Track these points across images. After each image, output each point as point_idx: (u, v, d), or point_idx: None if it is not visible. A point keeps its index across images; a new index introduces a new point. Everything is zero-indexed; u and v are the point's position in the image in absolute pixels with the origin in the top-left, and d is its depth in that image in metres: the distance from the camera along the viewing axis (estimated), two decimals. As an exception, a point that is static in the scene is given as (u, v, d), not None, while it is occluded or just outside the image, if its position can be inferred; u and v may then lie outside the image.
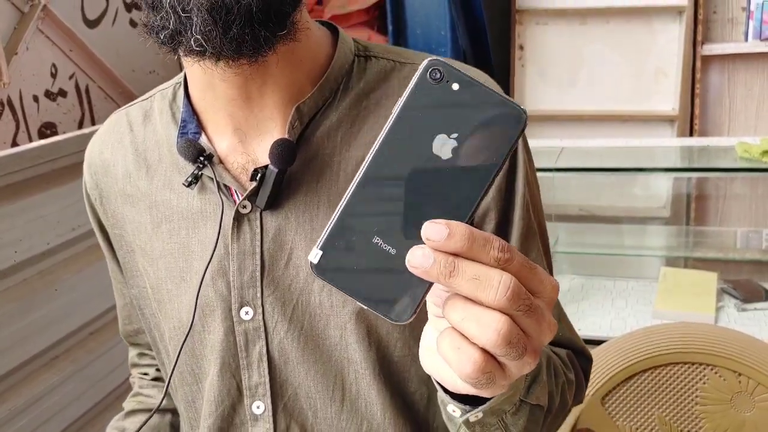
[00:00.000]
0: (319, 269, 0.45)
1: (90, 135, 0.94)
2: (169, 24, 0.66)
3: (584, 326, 1.99)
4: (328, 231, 0.45)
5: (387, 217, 0.45)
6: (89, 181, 0.90)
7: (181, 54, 0.70)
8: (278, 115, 0.77)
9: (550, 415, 0.76)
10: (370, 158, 0.45)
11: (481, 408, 0.59)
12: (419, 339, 0.53)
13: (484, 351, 0.44)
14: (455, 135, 0.45)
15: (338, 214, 0.45)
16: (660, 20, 2.74)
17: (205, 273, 0.78)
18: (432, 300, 0.47)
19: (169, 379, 0.83)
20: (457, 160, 0.45)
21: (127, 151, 0.86)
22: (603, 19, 2.80)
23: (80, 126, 2.19)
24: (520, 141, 0.78)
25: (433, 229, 0.43)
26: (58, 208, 1.62)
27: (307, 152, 0.77)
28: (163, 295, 0.84)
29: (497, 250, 0.43)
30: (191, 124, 0.80)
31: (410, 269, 0.43)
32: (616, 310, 2.07)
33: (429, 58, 0.46)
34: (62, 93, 2.15)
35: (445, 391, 0.58)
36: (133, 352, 1.04)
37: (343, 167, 0.77)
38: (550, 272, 0.87)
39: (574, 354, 0.87)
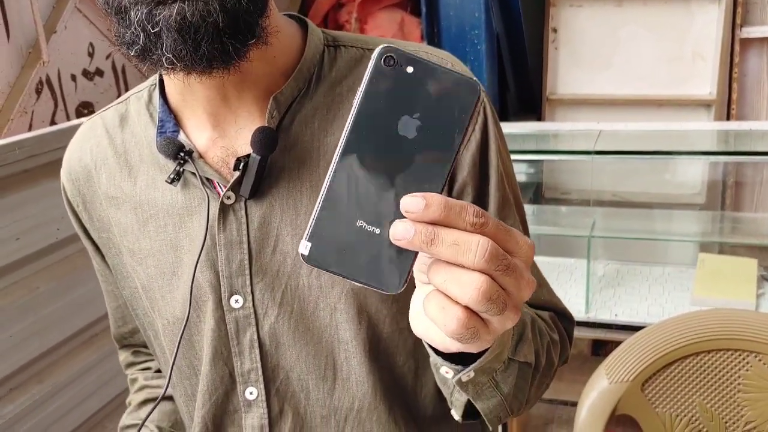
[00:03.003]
0: (311, 259, 0.48)
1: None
2: (139, 40, 0.67)
3: (621, 311, 1.97)
4: (313, 222, 0.48)
5: (366, 200, 0.48)
6: (70, 188, 0.90)
7: (153, 67, 0.71)
8: (255, 108, 0.79)
9: (538, 373, 0.79)
10: (341, 148, 0.48)
11: (472, 367, 0.63)
12: (406, 313, 0.55)
13: (467, 308, 0.47)
14: (417, 114, 0.47)
15: (320, 205, 0.48)
16: (698, 2, 2.70)
17: (197, 265, 0.80)
18: (418, 268, 0.50)
19: (171, 370, 0.84)
20: (423, 138, 0.48)
21: (107, 155, 0.87)
22: (640, 1, 2.75)
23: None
24: (490, 116, 0.82)
25: (411, 202, 0.46)
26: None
27: (287, 141, 0.79)
28: (155, 292, 0.86)
29: (472, 215, 0.46)
30: (169, 123, 0.82)
31: (394, 242, 0.47)
32: (653, 296, 2.04)
33: (380, 46, 0.48)
34: (99, 72, 2.16)
35: (437, 353, 0.62)
36: (125, 354, 1.06)
37: (322, 153, 0.79)
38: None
39: (557, 316, 0.90)
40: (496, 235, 0.47)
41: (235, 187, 0.78)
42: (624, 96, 2.82)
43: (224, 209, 0.79)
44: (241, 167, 0.77)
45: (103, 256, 0.93)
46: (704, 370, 1.27)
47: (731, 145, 2.36)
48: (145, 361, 1.05)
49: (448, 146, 0.48)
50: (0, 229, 1.52)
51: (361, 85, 0.48)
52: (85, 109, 2.12)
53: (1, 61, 1.88)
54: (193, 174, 0.80)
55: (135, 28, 0.66)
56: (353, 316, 0.80)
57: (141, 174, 0.84)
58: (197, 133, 0.81)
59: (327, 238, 0.48)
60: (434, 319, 0.48)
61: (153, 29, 0.65)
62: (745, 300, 1.92)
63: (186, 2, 0.64)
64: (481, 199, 0.82)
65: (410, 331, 0.54)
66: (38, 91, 1.97)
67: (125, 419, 1.00)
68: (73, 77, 2.08)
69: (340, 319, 0.80)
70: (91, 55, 2.13)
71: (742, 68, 2.72)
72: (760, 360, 1.25)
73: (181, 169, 0.79)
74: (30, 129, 1.95)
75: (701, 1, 2.69)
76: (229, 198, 0.79)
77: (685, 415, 1.28)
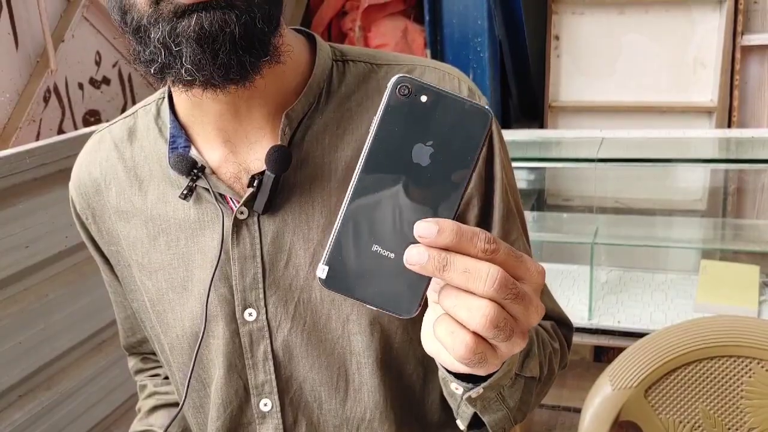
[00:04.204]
0: (328, 282, 0.50)
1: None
2: (159, 58, 0.69)
3: (624, 318, 1.98)
4: (330, 246, 0.49)
5: (381, 225, 0.49)
6: (79, 201, 0.91)
7: (170, 84, 0.73)
8: (266, 124, 0.80)
9: (540, 383, 0.81)
10: (357, 174, 0.49)
11: (482, 385, 0.65)
12: (417, 323, 0.56)
13: (475, 334, 0.48)
14: (431, 142, 0.49)
15: (337, 230, 0.49)
16: (699, 10, 2.71)
17: (212, 280, 0.81)
18: (431, 287, 0.51)
19: (188, 384, 0.85)
20: (436, 165, 0.49)
21: (116, 169, 0.88)
22: (641, 9, 2.77)
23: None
24: (494, 130, 0.83)
25: (425, 227, 0.47)
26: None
27: (298, 156, 0.80)
28: (164, 306, 0.87)
29: (484, 242, 0.47)
30: (180, 139, 0.83)
31: (408, 267, 0.48)
32: (655, 302, 2.05)
33: (396, 76, 0.50)
34: (106, 81, 2.18)
35: (447, 370, 0.63)
36: (134, 360, 1.07)
37: (333, 168, 0.80)
38: (529, 248, 0.91)
39: (557, 324, 0.92)
40: (507, 261, 0.48)
41: (248, 202, 0.79)
42: (626, 103, 2.83)
43: (237, 224, 0.80)
44: (255, 184, 0.78)
45: (112, 268, 0.94)
46: (707, 377, 1.28)
47: (733, 153, 2.37)
48: (154, 368, 1.06)
49: (460, 173, 0.49)
50: (10, 237, 1.53)
51: (377, 114, 0.49)
52: (92, 117, 2.14)
53: (10, 70, 1.89)
54: (206, 189, 0.81)
55: (155, 46, 0.68)
56: (365, 327, 0.81)
57: (151, 188, 0.85)
58: (209, 149, 0.82)
59: (344, 262, 0.49)
60: (443, 342, 0.49)
61: (176, 46, 0.67)
62: (747, 306, 1.93)
63: (204, 13, 0.66)
64: (486, 211, 0.84)
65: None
66: (46, 100, 1.98)
67: (135, 426, 1.01)
68: (81, 85, 2.09)
69: (352, 330, 0.81)
70: (98, 63, 2.15)
71: (743, 75, 2.73)
72: (762, 367, 1.26)
73: (194, 185, 0.81)
74: (38, 137, 1.96)
75: (702, 8, 2.70)
76: (242, 213, 0.80)
77: (688, 422, 1.29)
